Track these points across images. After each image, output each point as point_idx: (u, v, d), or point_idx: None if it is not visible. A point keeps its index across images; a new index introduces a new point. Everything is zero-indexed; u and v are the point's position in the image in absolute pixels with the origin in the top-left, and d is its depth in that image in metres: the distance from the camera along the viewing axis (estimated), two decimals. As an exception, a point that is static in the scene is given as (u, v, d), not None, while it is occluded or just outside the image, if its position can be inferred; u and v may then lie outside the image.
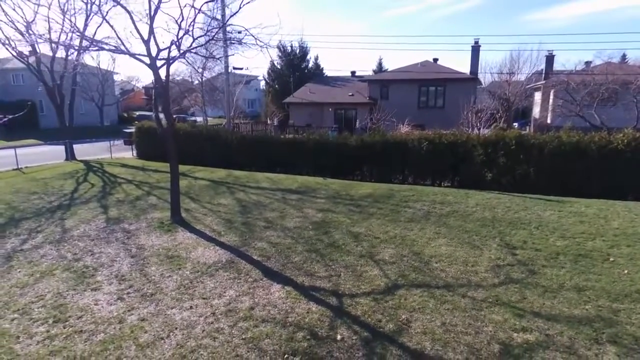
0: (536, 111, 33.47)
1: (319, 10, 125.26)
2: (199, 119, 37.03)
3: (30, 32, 14.19)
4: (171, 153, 9.30)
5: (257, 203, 10.61)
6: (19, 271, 6.61)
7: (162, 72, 8.72)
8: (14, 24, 15.54)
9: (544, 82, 30.23)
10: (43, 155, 20.55)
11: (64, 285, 6.08)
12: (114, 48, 8.18)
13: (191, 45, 8.49)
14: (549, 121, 27.84)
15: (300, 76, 40.56)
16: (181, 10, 7.88)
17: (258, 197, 11.30)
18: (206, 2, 8.58)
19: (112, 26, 10.60)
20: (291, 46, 42.42)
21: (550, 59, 32.01)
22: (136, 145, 20.57)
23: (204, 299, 5.63)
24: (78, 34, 9.30)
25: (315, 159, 15.03)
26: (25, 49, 18.69)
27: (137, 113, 48.97)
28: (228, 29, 10.26)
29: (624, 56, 41.98)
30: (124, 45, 8.12)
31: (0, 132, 27.55)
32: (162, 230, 8.54)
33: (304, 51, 43.30)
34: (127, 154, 21.41)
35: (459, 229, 8.28)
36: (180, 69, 37.41)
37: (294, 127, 27.44)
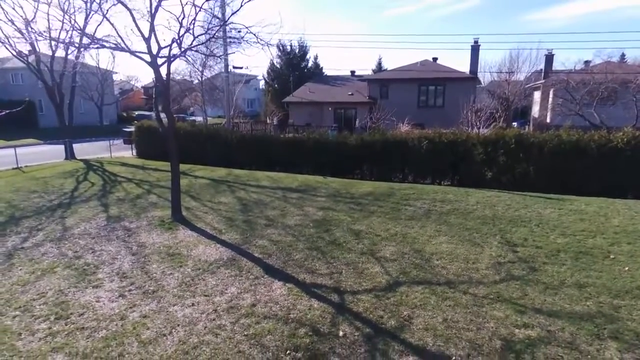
0: (535, 110, 33.51)
1: (319, 10, 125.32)
2: (199, 118, 37.00)
3: (30, 29, 14.15)
4: (172, 151, 9.29)
5: (258, 201, 10.61)
6: (20, 269, 6.61)
7: (163, 70, 8.73)
8: (13, 22, 15.53)
9: (543, 81, 30.25)
10: (42, 154, 20.52)
11: (65, 283, 6.08)
12: (114, 45, 8.17)
13: (192, 43, 8.49)
14: (548, 120, 27.87)
15: (300, 75, 40.57)
16: (182, 7, 7.89)
17: (259, 195, 11.30)
18: (207, 0, 8.58)
19: (112, 24, 10.61)
20: (291, 45, 42.49)
21: (549, 58, 32.03)
22: (136, 144, 20.57)
23: (205, 296, 5.64)
24: (79, 31, 9.28)
25: (315, 158, 15.04)
26: (25, 48, 18.67)
27: (137, 113, 48.94)
28: (228, 27, 10.25)
29: (622, 56, 42.06)
30: (125, 43, 8.11)
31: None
32: (163, 228, 8.54)
33: (303, 50, 43.34)
34: (127, 153, 21.40)
35: (459, 227, 8.30)
36: (180, 68, 37.39)
37: (294, 126, 27.44)
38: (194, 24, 8.19)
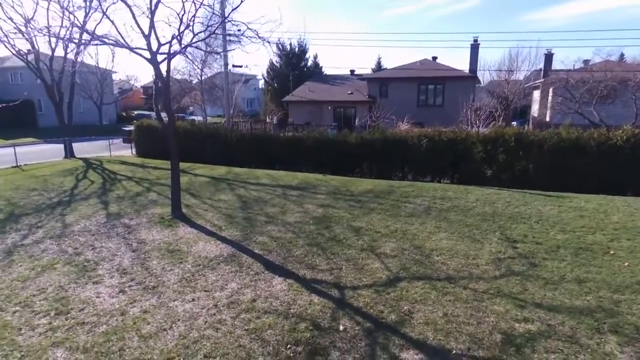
0: (535, 109, 33.55)
1: (318, 10, 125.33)
2: (198, 118, 36.99)
3: (30, 27, 14.13)
4: (172, 149, 9.28)
5: (258, 199, 10.61)
6: (20, 265, 6.60)
7: (163, 68, 8.72)
8: (12, 20, 15.51)
9: (542, 80, 30.28)
10: (42, 153, 20.50)
11: (65, 279, 6.08)
12: (114, 42, 8.16)
13: (192, 40, 8.49)
14: (547, 119, 27.89)
15: (300, 75, 40.55)
16: (183, 3, 7.88)
17: (258, 193, 11.30)
18: (207, -3, 8.57)
19: (112, 21, 10.56)
20: (290, 44, 42.47)
21: (549, 57, 32.06)
22: (135, 143, 20.56)
23: (206, 291, 5.64)
24: (78, 28, 9.27)
25: (315, 157, 15.03)
26: (24, 47, 18.64)
27: (136, 112, 48.92)
28: (228, 24, 10.25)
29: (622, 56, 42.12)
30: (124, 40, 8.11)
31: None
32: (163, 225, 8.54)
33: (303, 49, 43.31)
34: (126, 152, 21.38)
35: (459, 224, 8.30)
36: (179, 66, 37.39)
37: (293, 125, 27.44)
38: (194, 20, 8.19)
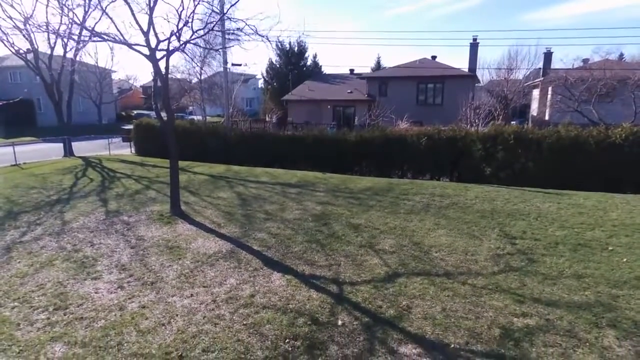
0: (534, 107, 33.57)
1: (318, 10, 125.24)
2: (197, 117, 36.97)
3: (29, 24, 14.12)
4: (171, 146, 9.28)
5: (257, 196, 10.61)
6: (19, 262, 6.59)
7: (162, 65, 8.71)
8: (11, 19, 15.51)
9: (542, 78, 30.28)
10: (41, 152, 20.48)
11: (64, 275, 6.07)
12: (113, 39, 8.16)
13: (191, 37, 8.48)
14: (547, 117, 27.90)
15: (299, 74, 40.52)
16: (182, 0, 7.87)
17: (257, 190, 11.30)
18: (205, -6, 8.57)
19: (111, 18, 10.55)
20: (289, 43, 42.42)
21: (548, 55, 32.09)
22: (135, 142, 20.55)
23: (204, 287, 5.63)
24: (77, 25, 9.27)
25: (315, 156, 15.03)
26: (24, 46, 18.62)
27: (135, 112, 48.89)
28: (227, 20, 10.22)
29: (621, 55, 42.13)
30: (123, 37, 8.10)
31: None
32: (162, 222, 8.54)
33: (302, 49, 43.27)
34: (126, 151, 21.37)
35: (458, 220, 8.31)
36: (178, 64, 37.37)
37: (293, 124, 27.45)
38: (192, 16, 8.18)
